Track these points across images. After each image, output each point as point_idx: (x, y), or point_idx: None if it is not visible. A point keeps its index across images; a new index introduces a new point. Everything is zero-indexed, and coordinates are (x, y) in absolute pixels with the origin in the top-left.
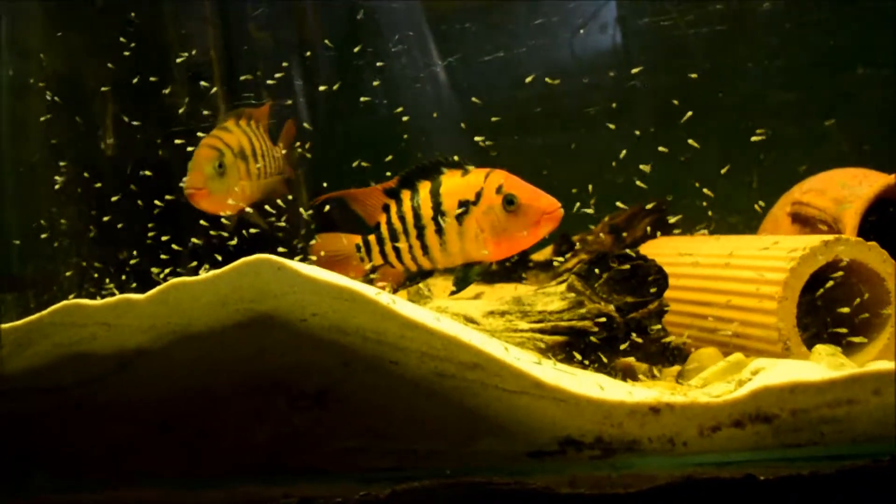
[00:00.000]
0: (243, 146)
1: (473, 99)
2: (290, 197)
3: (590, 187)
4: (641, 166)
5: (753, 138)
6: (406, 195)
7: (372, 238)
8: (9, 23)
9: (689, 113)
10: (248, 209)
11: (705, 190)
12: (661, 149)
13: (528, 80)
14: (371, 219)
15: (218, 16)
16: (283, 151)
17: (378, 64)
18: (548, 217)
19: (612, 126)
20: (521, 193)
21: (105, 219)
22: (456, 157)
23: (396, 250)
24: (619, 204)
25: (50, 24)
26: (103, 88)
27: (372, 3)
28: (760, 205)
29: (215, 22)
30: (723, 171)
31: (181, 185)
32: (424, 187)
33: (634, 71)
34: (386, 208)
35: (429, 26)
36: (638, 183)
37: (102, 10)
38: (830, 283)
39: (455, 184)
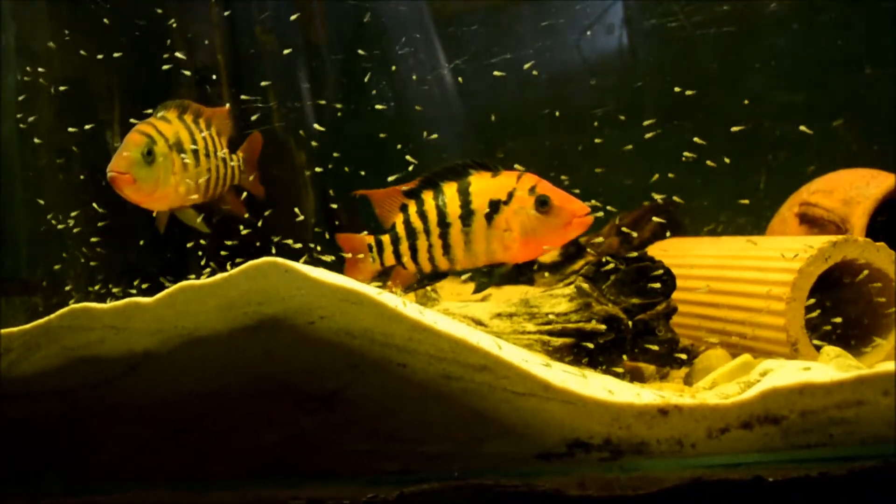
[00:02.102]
0: (181, 139)
1: (492, 117)
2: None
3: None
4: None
5: (733, 129)
6: (428, 195)
7: (386, 238)
8: (17, 26)
9: (679, 102)
10: (213, 207)
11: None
12: (648, 135)
13: (537, 79)
14: (387, 220)
15: (224, 19)
16: (241, 157)
17: (393, 68)
18: (578, 221)
19: (619, 126)
20: (554, 196)
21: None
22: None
23: (412, 250)
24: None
25: (58, 26)
26: (110, 91)
27: (378, 4)
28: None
29: (222, 25)
30: (725, 186)
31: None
32: (450, 187)
33: (638, 84)
34: (404, 208)
35: (435, 28)
36: (644, 203)
37: (110, 12)
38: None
39: (486, 183)
